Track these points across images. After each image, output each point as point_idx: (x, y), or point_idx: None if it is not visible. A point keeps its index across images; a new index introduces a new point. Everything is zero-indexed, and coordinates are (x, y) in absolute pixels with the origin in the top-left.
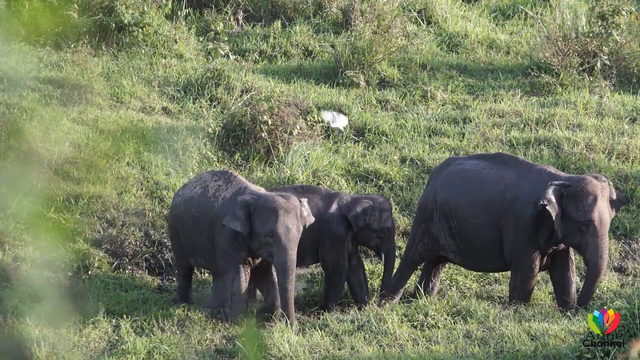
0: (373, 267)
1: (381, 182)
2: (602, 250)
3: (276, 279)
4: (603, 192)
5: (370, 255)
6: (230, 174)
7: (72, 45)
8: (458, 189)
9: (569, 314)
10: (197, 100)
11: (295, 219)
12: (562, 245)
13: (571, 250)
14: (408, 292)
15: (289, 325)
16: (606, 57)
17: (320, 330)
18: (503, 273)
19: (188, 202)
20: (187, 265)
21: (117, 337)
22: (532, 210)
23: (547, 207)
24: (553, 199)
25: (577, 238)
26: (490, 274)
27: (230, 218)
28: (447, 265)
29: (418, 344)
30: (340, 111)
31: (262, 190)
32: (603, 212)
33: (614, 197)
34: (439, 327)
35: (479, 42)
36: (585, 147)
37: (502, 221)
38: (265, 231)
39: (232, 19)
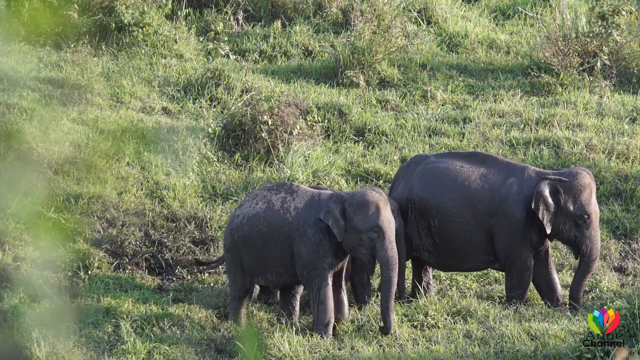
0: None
1: (381, 182)
2: (598, 242)
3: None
4: (594, 185)
5: None
6: (290, 184)
7: (72, 45)
8: (439, 187)
9: (569, 313)
10: (197, 100)
11: (390, 211)
12: (547, 244)
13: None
14: (407, 292)
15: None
16: (606, 57)
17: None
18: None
19: (253, 219)
20: (247, 288)
21: (117, 337)
22: (523, 209)
23: (539, 203)
24: (546, 194)
25: (573, 232)
26: (490, 274)
27: (327, 216)
28: None
29: (418, 344)
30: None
31: (337, 192)
32: (596, 204)
33: None
34: (439, 327)
35: (479, 42)
36: (585, 147)
37: (491, 221)
38: (370, 226)
39: (232, 19)
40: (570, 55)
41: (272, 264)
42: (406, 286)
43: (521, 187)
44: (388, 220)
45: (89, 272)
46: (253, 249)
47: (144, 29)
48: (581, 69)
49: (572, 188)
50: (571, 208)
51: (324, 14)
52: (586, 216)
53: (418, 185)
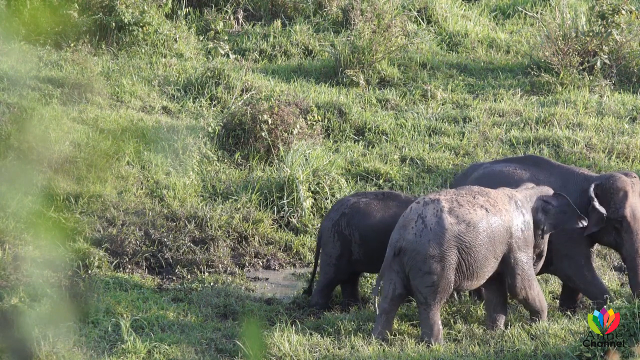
0: None
1: (381, 181)
2: (638, 246)
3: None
4: (634, 188)
5: None
6: (479, 188)
7: (72, 45)
8: None
9: (569, 313)
10: (197, 100)
11: None
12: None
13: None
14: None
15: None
16: (606, 56)
17: (321, 329)
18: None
19: (479, 225)
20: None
21: (117, 337)
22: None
23: (597, 209)
24: (597, 204)
25: (613, 236)
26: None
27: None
28: None
29: (418, 343)
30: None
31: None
32: (635, 208)
33: None
34: None
35: (479, 41)
36: (585, 146)
37: None
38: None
39: (232, 18)
40: (570, 54)
41: (487, 270)
42: None
43: (576, 192)
44: None
45: (89, 272)
46: (473, 255)
47: (144, 28)
48: (581, 68)
49: (604, 192)
50: (606, 212)
51: (324, 13)
52: (621, 219)
53: None
